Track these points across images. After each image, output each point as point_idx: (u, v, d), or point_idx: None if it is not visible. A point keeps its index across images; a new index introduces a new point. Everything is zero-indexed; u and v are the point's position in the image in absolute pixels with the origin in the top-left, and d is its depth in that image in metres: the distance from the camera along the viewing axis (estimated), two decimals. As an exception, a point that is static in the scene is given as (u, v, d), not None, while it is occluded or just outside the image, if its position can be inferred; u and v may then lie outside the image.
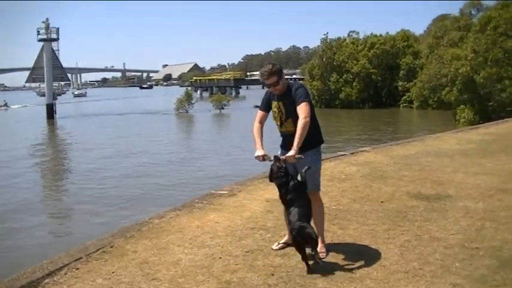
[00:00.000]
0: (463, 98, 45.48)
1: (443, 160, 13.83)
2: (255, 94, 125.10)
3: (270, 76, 6.74)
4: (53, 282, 6.14)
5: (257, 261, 6.55)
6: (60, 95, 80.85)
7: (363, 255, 6.70)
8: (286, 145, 6.80)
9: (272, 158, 6.67)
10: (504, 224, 7.91)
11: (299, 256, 6.36)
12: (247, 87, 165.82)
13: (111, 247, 7.23)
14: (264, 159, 6.73)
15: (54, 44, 71.88)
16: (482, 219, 8.20)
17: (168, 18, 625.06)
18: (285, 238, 7.08)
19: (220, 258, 6.71)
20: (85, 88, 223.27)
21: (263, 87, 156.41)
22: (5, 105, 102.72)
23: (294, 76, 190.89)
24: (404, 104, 70.87)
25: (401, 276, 6.02)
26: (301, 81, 6.93)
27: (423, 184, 10.83)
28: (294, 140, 6.48)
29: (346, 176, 11.68)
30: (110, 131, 49.20)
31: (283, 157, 6.53)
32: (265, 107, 7.06)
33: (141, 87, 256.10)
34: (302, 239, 6.13)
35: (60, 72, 73.63)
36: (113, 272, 6.36)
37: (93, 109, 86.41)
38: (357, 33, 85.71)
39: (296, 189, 6.47)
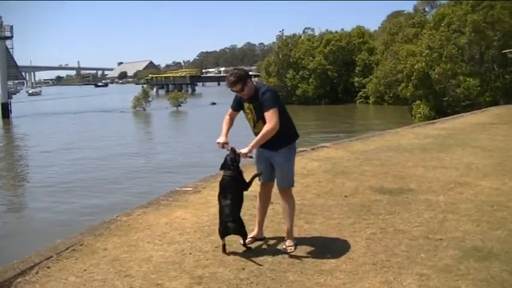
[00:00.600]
0: (418, 93, 46.10)
1: (403, 155, 14.06)
2: (211, 91, 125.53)
3: (233, 85, 6.82)
4: (25, 282, 6.12)
5: (227, 257, 6.63)
6: (15, 94, 79.67)
7: (331, 248, 6.84)
8: (262, 145, 6.92)
9: (229, 148, 6.86)
10: (465, 216, 8.13)
11: (269, 250, 6.74)
12: (203, 85, 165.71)
13: (81, 245, 7.23)
14: (223, 147, 6.92)
15: (8, 42, 70.84)
16: (444, 211, 8.42)
17: (123, 16, 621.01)
18: (253, 233, 7.20)
19: (191, 254, 6.78)
20: (39, 87, 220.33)
21: (219, 84, 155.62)
22: None
23: (250, 73, 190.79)
24: (361, 100, 71.47)
25: (369, 268, 6.18)
26: (267, 84, 6.94)
27: (385, 178, 11.03)
28: (265, 140, 6.70)
29: (308, 172, 11.80)
30: (68, 130, 48.71)
31: (239, 151, 6.70)
32: (236, 106, 7.12)
33: (96, 85, 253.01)
34: (233, 233, 6.74)
35: (14, 71, 72.82)
36: (85, 270, 6.37)
37: (48, 108, 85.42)
38: (312, 29, 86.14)
39: (237, 183, 6.81)
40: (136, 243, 7.27)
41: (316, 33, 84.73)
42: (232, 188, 6.77)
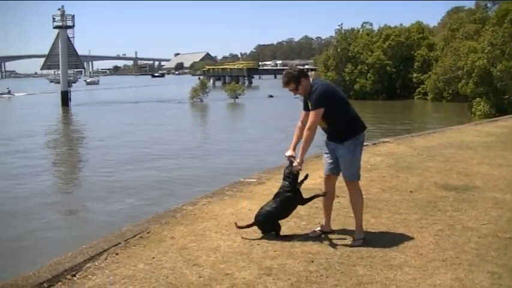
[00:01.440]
0: (479, 90, 45.35)
1: (467, 152, 13.90)
2: (268, 84, 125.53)
3: (286, 85, 7.05)
4: (95, 267, 6.20)
5: (295, 248, 6.63)
6: (74, 83, 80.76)
7: (399, 243, 6.79)
8: (329, 137, 7.17)
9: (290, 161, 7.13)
10: (534, 216, 7.99)
11: (337, 243, 6.80)
12: (259, 77, 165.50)
13: (148, 233, 7.31)
14: (289, 159, 7.12)
15: (69, 31, 72.07)
16: (511, 210, 8.28)
17: (181, 7, 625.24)
18: (320, 226, 7.24)
19: (258, 245, 6.80)
20: (97, 76, 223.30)
21: (275, 77, 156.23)
22: (8, 92, 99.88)
23: (307, 66, 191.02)
24: (419, 96, 70.72)
25: (439, 264, 6.10)
26: (324, 81, 6.88)
27: (449, 175, 10.91)
28: (332, 133, 7.03)
29: (371, 166, 11.74)
30: (128, 120, 49.51)
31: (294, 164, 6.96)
32: (305, 106, 7.15)
33: (153, 76, 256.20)
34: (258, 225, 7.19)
35: (75, 60, 73.79)
36: (153, 258, 6.42)
37: (107, 97, 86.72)
38: (371, 24, 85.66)
39: (290, 195, 7.07)
40: (203, 232, 7.31)
41: (375, 28, 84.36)
42: (284, 197, 7.07)
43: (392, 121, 44.66)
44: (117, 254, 6.60)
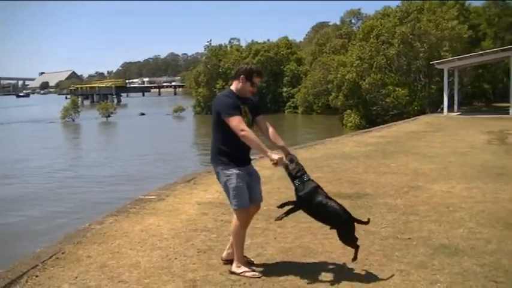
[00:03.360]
0: (349, 103, 46.82)
1: (350, 162, 14.62)
2: (136, 102, 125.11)
3: (262, 77, 6.80)
4: (18, 291, 6.13)
5: (212, 260, 6.84)
6: None
7: (309, 250, 7.21)
8: (246, 157, 6.94)
9: (287, 161, 6.87)
10: (425, 217, 8.69)
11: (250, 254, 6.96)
12: (127, 95, 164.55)
13: (63, 253, 7.31)
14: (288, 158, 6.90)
15: None
16: (404, 213, 8.94)
17: (43, 24, 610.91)
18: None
19: (176, 259, 6.96)
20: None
21: (143, 95, 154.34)
22: None
23: (174, 83, 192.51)
24: (289, 110, 72.01)
25: (352, 266, 6.53)
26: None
27: (340, 184, 11.51)
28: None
29: (264, 179, 12.00)
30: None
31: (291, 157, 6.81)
32: (240, 111, 6.51)
33: (18, 96, 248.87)
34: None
35: None
36: (76, 277, 6.44)
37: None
38: (238, 40, 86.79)
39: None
40: (119, 249, 7.41)
41: (242, 44, 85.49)
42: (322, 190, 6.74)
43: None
44: (37, 276, 6.56)
